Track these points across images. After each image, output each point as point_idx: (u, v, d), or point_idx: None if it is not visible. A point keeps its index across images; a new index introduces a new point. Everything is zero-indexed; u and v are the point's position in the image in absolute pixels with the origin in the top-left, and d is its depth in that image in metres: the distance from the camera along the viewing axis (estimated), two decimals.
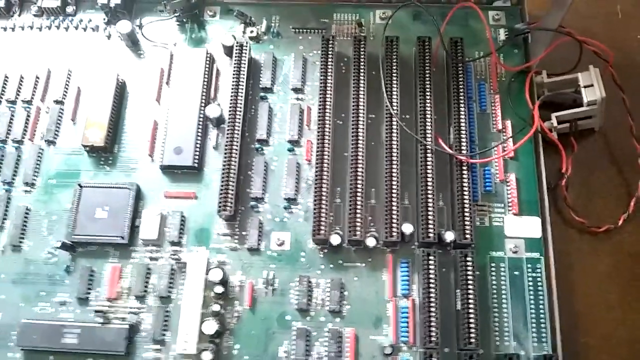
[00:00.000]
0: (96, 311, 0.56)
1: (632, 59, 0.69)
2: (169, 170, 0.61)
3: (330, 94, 0.61)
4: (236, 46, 0.63)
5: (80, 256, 0.58)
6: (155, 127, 0.63)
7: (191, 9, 0.66)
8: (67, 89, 0.65)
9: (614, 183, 0.63)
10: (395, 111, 0.60)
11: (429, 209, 0.56)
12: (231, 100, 0.61)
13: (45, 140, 0.63)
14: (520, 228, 0.57)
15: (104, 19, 0.67)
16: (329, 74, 0.62)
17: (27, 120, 0.64)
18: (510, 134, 0.60)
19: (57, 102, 0.64)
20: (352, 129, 0.60)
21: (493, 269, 0.56)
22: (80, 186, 0.60)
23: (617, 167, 0.63)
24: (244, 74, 0.62)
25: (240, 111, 0.61)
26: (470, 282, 0.54)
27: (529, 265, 0.56)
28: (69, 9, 0.68)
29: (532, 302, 0.55)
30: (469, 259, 0.54)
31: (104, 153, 0.62)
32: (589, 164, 0.63)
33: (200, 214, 0.59)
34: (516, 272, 0.56)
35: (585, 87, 0.59)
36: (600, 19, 0.71)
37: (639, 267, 0.59)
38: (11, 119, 0.64)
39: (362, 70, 0.62)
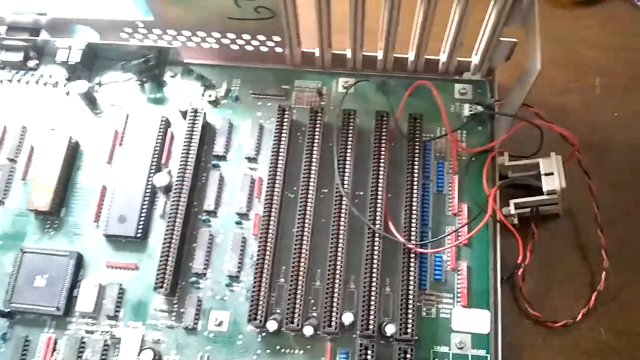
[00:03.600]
0: None
1: (606, 137, 0.66)
2: (113, 239, 0.59)
3: (281, 167, 0.59)
4: (190, 112, 0.61)
5: (17, 323, 0.57)
6: (104, 191, 0.61)
7: (151, 69, 0.65)
8: (20, 146, 0.64)
9: (575, 273, 0.59)
10: (346, 190, 0.57)
11: (372, 297, 0.54)
12: (180, 168, 0.59)
13: None
14: (468, 322, 0.54)
15: (65, 76, 0.66)
16: (282, 144, 0.60)
17: None
18: (466, 219, 0.57)
19: (9, 159, 0.63)
20: (301, 204, 0.58)
21: None
22: (22, 251, 0.58)
23: (581, 256, 0.60)
24: (195, 142, 0.60)
25: (187, 180, 0.59)
26: None
27: None
28: (31, 63, 0.68)
29: None
30: (408, 355, 0.52)
31: (50, 216, 0.61)
32: (550, 250, 0.60)
33: (139, 286, 0.58)
34: None
35: (545, 174, 0.56)
36: (577, 93, 0.68)
37: None
38: None
39: (316, 143, 0.60)
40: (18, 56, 0.67)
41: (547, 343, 0.57)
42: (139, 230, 0.58)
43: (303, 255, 0.56)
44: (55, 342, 0.56)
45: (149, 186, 0.60)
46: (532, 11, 0.53)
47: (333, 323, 0.53)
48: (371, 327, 0.53)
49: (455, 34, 0.60)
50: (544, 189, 0.56)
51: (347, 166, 0.59)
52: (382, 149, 0.59)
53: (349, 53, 0.65)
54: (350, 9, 0.58)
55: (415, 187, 0.57)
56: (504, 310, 0.55)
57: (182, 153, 0.60)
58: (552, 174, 0.56)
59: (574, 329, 0.57)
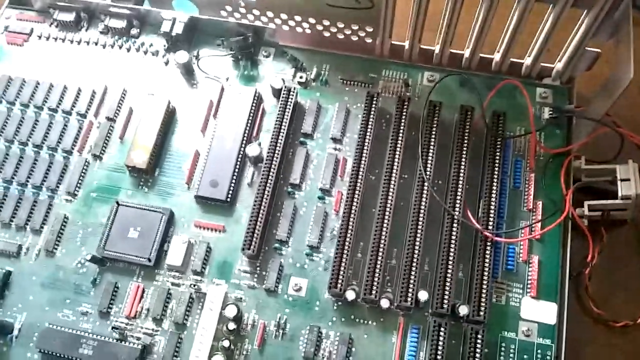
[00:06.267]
0: (114, 327, 0.58)
1: None
2: (203, 201, 0.63)
3: (367, 150, 0.62)
4: (284, 90, 0.65)
5: (107, 270, 0.61)
6: (197, 157, 0.65)
7: (247, 47, 0.68)
8: (120, 107, 0.68)
9: (638, 278, 0.62)
10: (428, 176, 0.61)
11: (447, 279, 0.57)
12: (271, 142, 0.63)
13: (92, 154, 0.66)
14: (536, 312, 0.57)
15: (164, 46, 0.71)
16: (369, 129, 0.63)
17: (79, 133, 0.67)
18: (540, 215, 0.60)
19: (108, 119, 0.68)
20: (384, 186, 0.61)
21: (503, 349, 0.56)
22: (118, 204, 0.62)
23: None
24: (287, 119, 0.64)
25: (278, 154, 0.63)
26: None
27: (539, 351, 0.56)
28: (134, 31, 0.72)
29: None
30: (479, 336, 0.54)
31: (145, 175, 0.65)
32: (616, 255, 0.63)
33: (225, 247, 0.61)
34: (525, 356, 0.56)
35: (622, 180, 0.59)
36: None
37: None
38: (64, 128, 0.67)
39: (401, 131, 0.63)
40: (121, 23, 0.71)
41: (608, 341, 0.60)
42: (229, 195, 0.62)
43: (383, 234, 0.59)
44: (143, 291, 0.60)
45: (240, 156, 0.64)
46: (626, 22, 0.56)
47: (409, 299, 0.56)
48: (445, 306, 0.56)
49: (544, 40, 0.63)
50: (620, 194, 0.59)
51: (430, 154, 0.62)
52: (465, 141, 0.62)
53: (437, 49, 0.68)
54: (446, 9, 0.62)
55: (495, 180, 0.60)
56: (568, 308, 0.57)
57: (275, 128, 0.64)
58: (628, 180, 0.58)
59: (635, 330, 0.60)
